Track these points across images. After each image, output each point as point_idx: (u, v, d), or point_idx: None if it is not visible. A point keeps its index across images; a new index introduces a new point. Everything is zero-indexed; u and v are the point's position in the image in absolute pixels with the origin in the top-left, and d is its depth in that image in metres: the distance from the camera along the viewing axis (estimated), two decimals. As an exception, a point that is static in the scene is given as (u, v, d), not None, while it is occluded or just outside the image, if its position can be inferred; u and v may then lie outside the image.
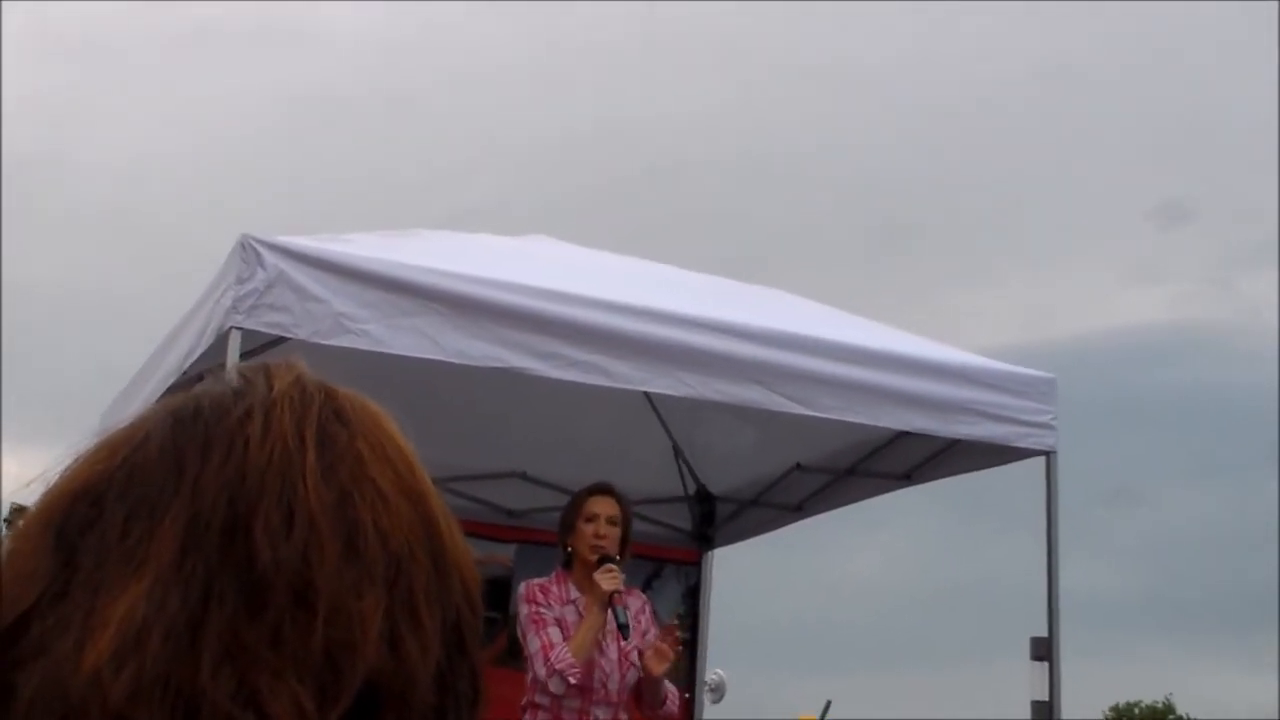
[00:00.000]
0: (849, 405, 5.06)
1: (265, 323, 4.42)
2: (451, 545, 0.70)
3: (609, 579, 4.62)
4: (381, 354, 4.51)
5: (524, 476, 6.93)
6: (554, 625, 4.68)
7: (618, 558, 4.70)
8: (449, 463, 6.00)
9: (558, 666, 4.58)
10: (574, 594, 4.75)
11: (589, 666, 4.65)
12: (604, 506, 4.79)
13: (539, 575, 4.88)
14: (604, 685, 4.71)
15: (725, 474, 7.23)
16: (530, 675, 4.67)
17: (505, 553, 6.90)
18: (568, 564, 4.82)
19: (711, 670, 7.10)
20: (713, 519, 7.43)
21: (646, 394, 5.97)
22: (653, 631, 4.85)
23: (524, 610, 4.72)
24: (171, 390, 4.04)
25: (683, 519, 7.42)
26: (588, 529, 4.75)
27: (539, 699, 4.66)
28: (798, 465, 6.70)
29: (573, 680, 4.59)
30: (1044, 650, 5.47)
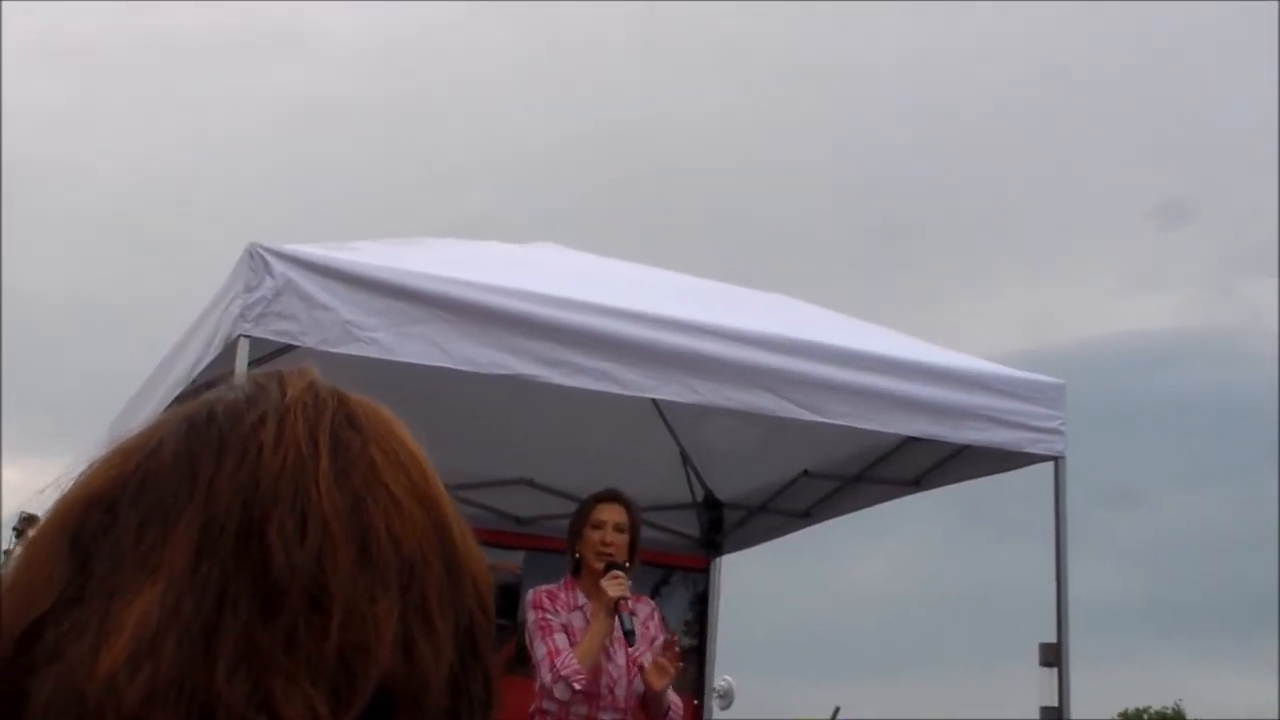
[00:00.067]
0: (859, 411, 5.06)
1: (273, 331, 4.43)
2: (464, 550, 0.70)
3: (615, 585, 4.61)
4: (389, 362, 4.51)
5: (532, 483, 6.94)
6: (560, 631, 4.68)
7: (626, 564, 4.70)
8: (457, 470, 5.98)
9: (563, 672, 4.58)
10: (581, 600, 4.75)
11: (596, 673, 4.65)
12: (612, 514, 4.78)
13: (547, 582, 4.88)
14: (611, 691, 4.70)
15: (733, 480, 7.23)
16: (537, 682, 4.67)
17: (513, 560, 6.90)
18: (576, 571, 4.82)
19: (720, 677, 7.09)
20: (721, 525, 7.43)
21: (654, 401, 5.96)
22: (662, 638, 4.85)
23: (531, 616, 4.72)
24: (180, 398, 4.05)
25: (691, 526, 7.41)
26: (595, 536, 4.75)
27: (546, 705, 4.65)
28: (805, 471, 6.70)
29: (578, 686, 4.59)
30: (1053, 656, 5.46)
